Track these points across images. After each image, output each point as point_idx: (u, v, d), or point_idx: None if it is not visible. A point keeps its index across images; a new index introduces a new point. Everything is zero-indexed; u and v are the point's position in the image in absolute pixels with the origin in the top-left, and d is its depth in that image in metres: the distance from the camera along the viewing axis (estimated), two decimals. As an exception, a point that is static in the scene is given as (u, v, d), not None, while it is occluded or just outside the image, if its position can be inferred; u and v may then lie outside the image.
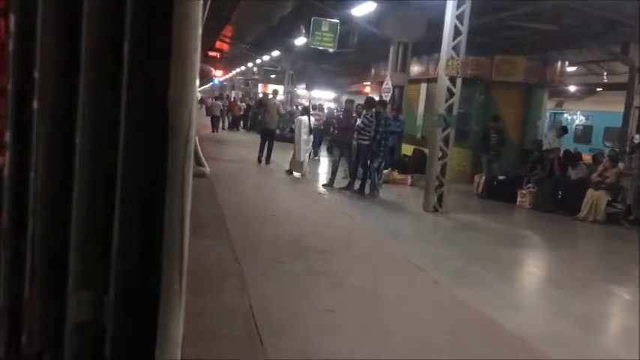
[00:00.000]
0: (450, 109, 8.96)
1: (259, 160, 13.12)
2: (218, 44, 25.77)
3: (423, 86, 14.94)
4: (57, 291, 0.87)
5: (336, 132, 11.10)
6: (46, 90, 0.84)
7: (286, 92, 25.70)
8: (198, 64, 0.88)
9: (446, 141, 8.98)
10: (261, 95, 31.93)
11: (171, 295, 0.89)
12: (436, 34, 11.81)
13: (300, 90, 30.59)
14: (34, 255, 0.86)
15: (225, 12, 16.46)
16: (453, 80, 8.98)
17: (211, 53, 24.41)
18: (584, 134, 16.59)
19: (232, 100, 26.11)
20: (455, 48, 8.83)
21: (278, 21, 18.44)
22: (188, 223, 0.90)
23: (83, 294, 0.87)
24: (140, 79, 0.86)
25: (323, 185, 10.28)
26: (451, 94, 8.97)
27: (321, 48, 15.04)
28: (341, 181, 10.18)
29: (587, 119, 17.08)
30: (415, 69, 15.35)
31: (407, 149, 14.03)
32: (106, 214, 0.87)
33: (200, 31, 0.88)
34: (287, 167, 11.64)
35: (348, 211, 8.27)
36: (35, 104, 0.84)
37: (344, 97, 33.78)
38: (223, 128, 24.11)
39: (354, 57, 20.71)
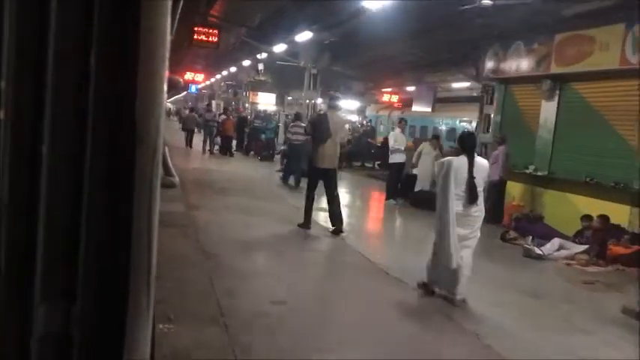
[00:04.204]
0: None
1: (337, 231, 7.57)
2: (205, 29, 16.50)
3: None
4: (23, 302, 0.87)
5: None
6: (13, 99, 0.84)
7: (305, 100, 19.68)
8: (165, 74, 0.88)
9: None
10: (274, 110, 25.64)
11: (139, 308, 0.89)
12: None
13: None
14: (0, 265, 0.86)
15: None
16: None
17: (198, 35, 15.64)
18: None
19: (226, 118, 19.91)
20: None
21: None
22: (156, 234, 0.90)
23: (50, 304, 0.87)
24: (108, 89, 0.86)
25: None
26: None
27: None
28: None
29: None
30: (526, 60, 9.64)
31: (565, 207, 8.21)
32: (73, 223, 0.87)
33: (168, 41, 0.88)
34: (423, 278, 5.49)
35: None
36: (2, 114, 0.84)
37: (370, 107, 25.63)
38: (212, 152, 19.42)
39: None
